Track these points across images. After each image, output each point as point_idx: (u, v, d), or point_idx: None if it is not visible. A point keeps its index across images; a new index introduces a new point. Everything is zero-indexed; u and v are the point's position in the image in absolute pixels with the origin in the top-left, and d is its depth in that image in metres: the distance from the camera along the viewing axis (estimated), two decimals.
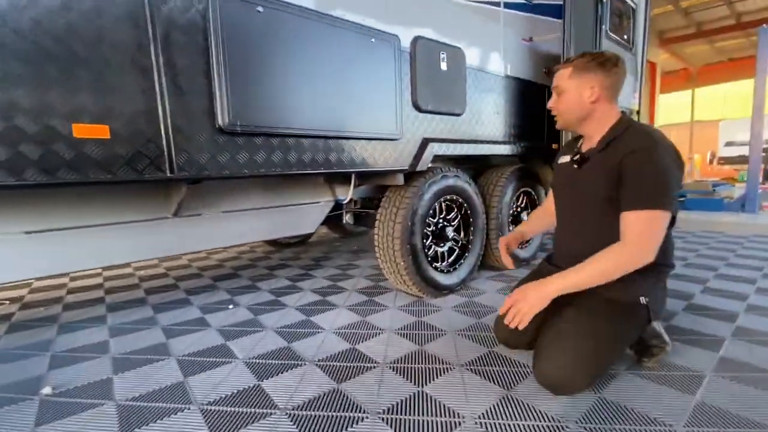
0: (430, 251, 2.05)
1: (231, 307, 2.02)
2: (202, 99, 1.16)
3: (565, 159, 1.29)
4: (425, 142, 1.84)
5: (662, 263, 1.15)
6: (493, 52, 2.20)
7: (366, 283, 2.34)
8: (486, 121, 2.20)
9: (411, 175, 1.89)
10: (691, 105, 14.82)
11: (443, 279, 2.07)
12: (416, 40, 1.75)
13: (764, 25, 4.68)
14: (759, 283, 2.11)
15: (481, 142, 2.16)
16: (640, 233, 1.02)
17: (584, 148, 1.22)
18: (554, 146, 2.74)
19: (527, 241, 2.62)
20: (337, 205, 2.01)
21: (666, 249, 1.16)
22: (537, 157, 2.70)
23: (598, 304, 1.13)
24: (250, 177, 1.29)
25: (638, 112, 3.87)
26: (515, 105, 2.40)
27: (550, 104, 1.22)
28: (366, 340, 1.57)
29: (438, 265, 2.09)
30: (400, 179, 1.83)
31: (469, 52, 2.00)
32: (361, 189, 2.08)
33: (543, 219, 1.54)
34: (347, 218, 2.17)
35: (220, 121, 1.19)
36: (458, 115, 2.00)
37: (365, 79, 1.57)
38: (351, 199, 1.95)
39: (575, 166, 1.19)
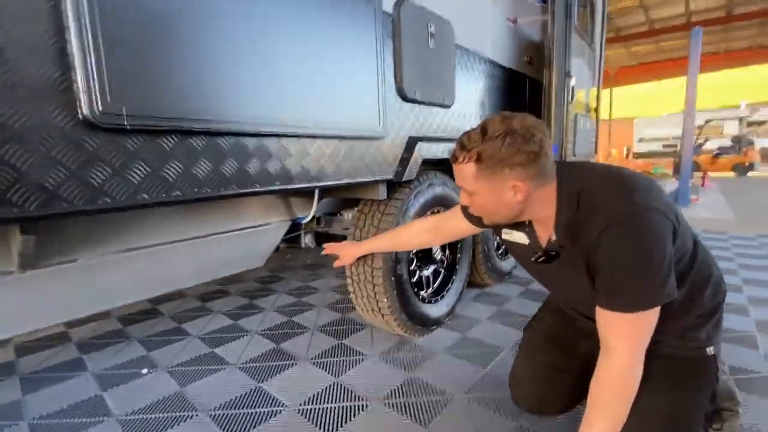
0: (415, 277, 1.62)
1: (145, 372, 1.43)
2: (42, 66, 0.60)
3: (517, 238, 0.95)
4: (412, 142, 1.40)
5: (721, 301, 0.91)
6: (480, 30, 1.82)
7: (330, 316, 1.86)
8: (473, 115, 1.82)
9: (391, 184, 1.44)
10: (609, 104, 16.18)
11: (431, 311, 1.66)
12: (401, 1, 1.29)
13: (696, 27, 4.95)
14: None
15: None
16: (624, 342, 0.76)
17: (541, 237, 0.89)
18: None
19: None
20: (294, 225, 1.50)
21: (718, 281, 0.91)
22: None
23: (658, 369, 0.84)
24: (152, 206, 0.75)
25: (596, 109, 3.80)
26: (499, 96, 2.05)
27: (463, 202, 0.86)
28: (341, 424, 1.11)
29: (423, 293, 1.67)
30: (381, 192, 1.37)
31: (457, 28, 1.59)
32: (324, 202, 1.59)
33: (413, 238, 1.27)
34: (306, 240, 1.66)
35: (85, 109, 0.64)
36: (447, 106, 1.59)
37: (336, 51, 1.08)
38: (313, 217, 1.45)
39: (542, 261, 0.89)
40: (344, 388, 1.29)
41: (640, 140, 14.73)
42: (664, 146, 13.50)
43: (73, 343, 1.68)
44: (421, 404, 1.18)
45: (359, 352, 1.52)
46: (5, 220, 0.58)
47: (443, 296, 1.75)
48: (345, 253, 1.36)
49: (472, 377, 1.32)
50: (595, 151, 3.96)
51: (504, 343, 1.55)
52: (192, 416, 1.17)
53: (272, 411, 1.18)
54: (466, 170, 0.78)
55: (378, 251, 1.35)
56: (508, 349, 1.50)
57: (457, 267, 1.82)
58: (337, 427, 1.10)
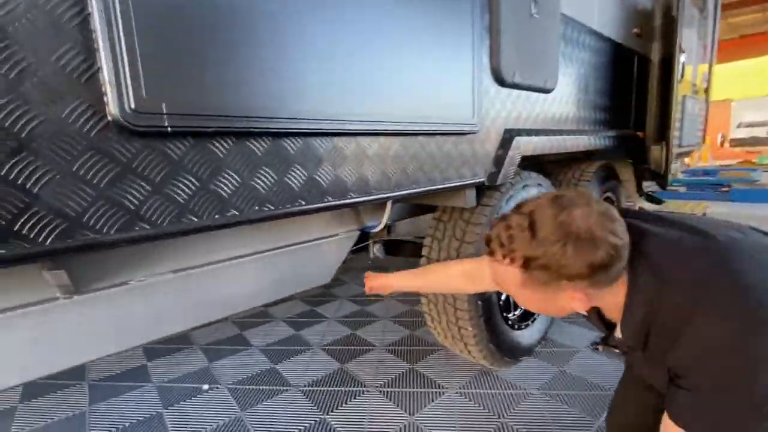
0: (503, 297, 1.36)
1: (206, 388, 1.34)
2: (55, 48, 0.44)
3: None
4: (509, 136, 1.13)
5: None
6: None
7: (397, 332, 1.66)
8: (575, 101, 1.49)
9: (480, 188, 1.18)
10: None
11: (521, 338, 1.39)
12: None
13: None
14: None
15: (568, 132, 1.45)
16: None
17: (608, 316, 0.68)
18: (640, 134, 2.04)
19: None
20: (363, 234, 1.31)
21: None
22: (619, 150, 1.99)
23: None
24: (200, 231, 0.57)
25: (707, 90, 3.18)
26: (604, 77, 1.68)
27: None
28: None
29: (510, 316, 1.40)
30: (469, 199, 1.12)
31: None
32: (396, 207, 1.37)
33: (451, 281, 0.97)
34: (375, 250, 1.46)
35: (113, 107, 0.47)
36: (548, 91, 1.29)
37: (421, 28, 0.85)
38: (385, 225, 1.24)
39: (616, 351, 0.72)
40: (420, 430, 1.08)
41: (739, 125, 12.78)
42: None
43: (140, 346, 1.66)
44: None
45: (435, 383, 1.30)
46: (10, 261, 0.43)
47: (534, 319, 1.46)
48: (375, 283, 1.08)
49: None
50: (703, 141, 3.35)
51: (611, 381, 1.24)
52: None
53: None
54: (506, 273, 0.57)
55: (406, 290, 1.10)
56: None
57: None
58: None
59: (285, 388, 1.33)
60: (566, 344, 1.51)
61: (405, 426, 1.11)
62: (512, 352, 1.35)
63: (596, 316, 0.71)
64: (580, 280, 0.53)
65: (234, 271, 0.94)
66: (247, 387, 1.34)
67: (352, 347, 1.58)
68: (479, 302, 1.18)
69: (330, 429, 1.11)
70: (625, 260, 0.55)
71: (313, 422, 1.15)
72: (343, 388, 1.30)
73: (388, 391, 1.28)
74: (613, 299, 0.60)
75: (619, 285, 0.58)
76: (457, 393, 1.25)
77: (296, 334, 1.72)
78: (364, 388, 1.30)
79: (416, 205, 1.41)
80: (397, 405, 1.20)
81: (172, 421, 1.17)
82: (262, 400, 1.26)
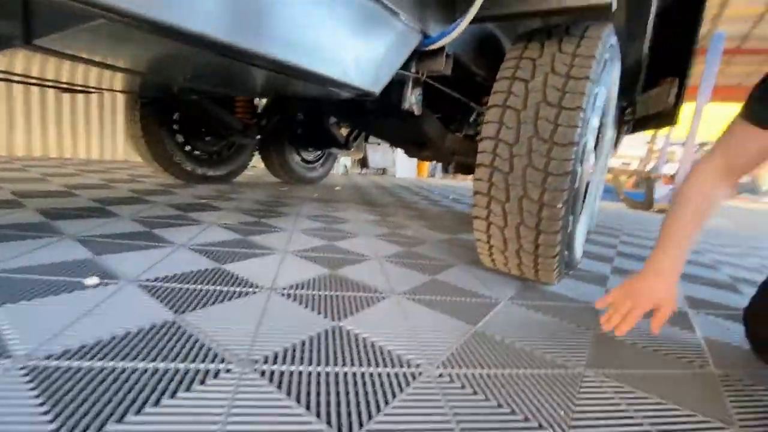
0: None
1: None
2: None
3: None
4: None
5: None
6: None
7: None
8: None
9: None
10: None
11: (577, 251, 1.06)
12: None
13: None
14: None
15: None
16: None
17: None
18: None
19: None
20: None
21: None
22: None
23: None
24: None
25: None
26: None
27: None
28: None
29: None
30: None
31: None
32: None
33: (716, 200, 0.71)
34: (413, 98, 0.92)
35: None
36: None
37: None
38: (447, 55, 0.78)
39: None
40: None
41: None
42: None
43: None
44: None
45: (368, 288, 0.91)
46: None
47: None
48: (652, 297, 0.69)
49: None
50: None
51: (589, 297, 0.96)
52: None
53: None
54: None
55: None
56: None
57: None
58: None
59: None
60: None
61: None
62: (570, 265, 1.02)
63: None
64: None
65: None
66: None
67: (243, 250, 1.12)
68: (570, 191, 0.80)
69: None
70: None
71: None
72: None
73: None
74: None
75: None
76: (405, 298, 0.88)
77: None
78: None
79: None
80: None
81: None
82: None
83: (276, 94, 1.28)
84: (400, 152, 6.34)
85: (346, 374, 0.51)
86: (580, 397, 0.52)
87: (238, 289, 0.74)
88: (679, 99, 1.71)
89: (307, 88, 0.86)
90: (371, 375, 0.51)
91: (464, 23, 0.68)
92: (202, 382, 0.45)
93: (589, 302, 0.92)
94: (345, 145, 2.45)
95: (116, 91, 1.37)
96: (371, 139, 3.06)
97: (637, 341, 0.73)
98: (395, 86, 0.88)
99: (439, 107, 1.11)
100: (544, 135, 0.79)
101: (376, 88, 0.66)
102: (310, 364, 0.52)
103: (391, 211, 2.00)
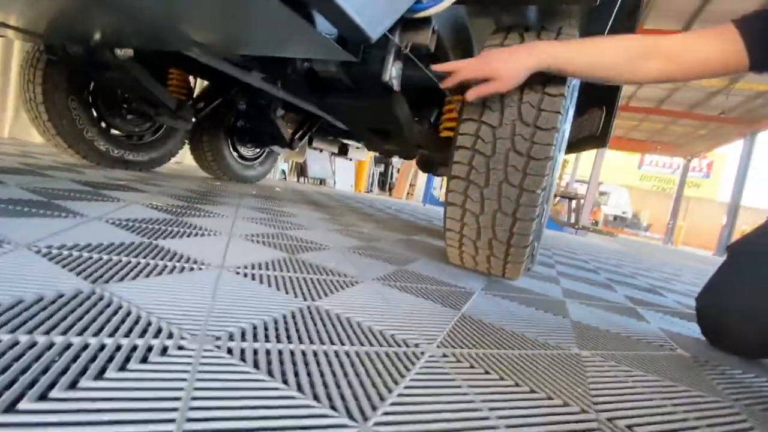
0: None
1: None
2: None
3: None
4: None
5: None
6: None
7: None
8: None
9: None
10: None
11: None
12: None
13: None
14: None
15: None
16: None
17: None
18: None
19: None
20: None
21: None
22: None
23: None
24: None
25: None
26: None
27: None
28: None
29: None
30: None
31: None
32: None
33: (633, 61, 0.71)
34: (393, 70, 0.84)
35: None
36: None
37: None
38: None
39: None
40: None
41: None
42: None
43: None
44: None
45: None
46: None
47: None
48: (494, 69, 0.70)
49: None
50: None
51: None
52: None
53: None
54: None
55: (571, 74, 0.72)
56: None
57: None
58: None
59: None
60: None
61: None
62: (532, 259, 1.03)
63: None
64: None
65: None
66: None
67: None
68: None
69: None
70: None
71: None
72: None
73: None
74: None
75: None
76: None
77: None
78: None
79: None
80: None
81: None
82: None
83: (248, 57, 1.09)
84: (339, 164, 6.26)
85: (337, 353, 0.41)
86: (588, 376, 0.48)
87: (178, 264, 0.59)
88: (609, 124, 1.91)
89: (288, 42, 0.75)
90: (368, 354, 0.42)
91: None
92: (145, 360, 0.32)
93: (552, 296, 0.92)
94: (290, 144, 2.30)
95: (9, 27, 1.08)
96: (313, 145, 2.94)
97: (609, 328, 0.74)
98: (375, 56, 0.81)
99: (407, 96, 1.07)
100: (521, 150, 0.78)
101: (375, 34, 0.59)
102: (293, 342, 0.41)
103: (340, 213, 1.90)
